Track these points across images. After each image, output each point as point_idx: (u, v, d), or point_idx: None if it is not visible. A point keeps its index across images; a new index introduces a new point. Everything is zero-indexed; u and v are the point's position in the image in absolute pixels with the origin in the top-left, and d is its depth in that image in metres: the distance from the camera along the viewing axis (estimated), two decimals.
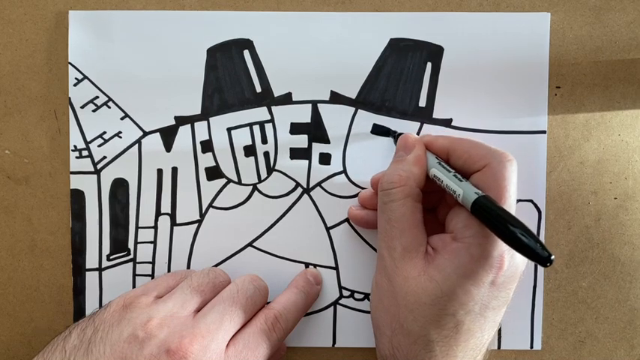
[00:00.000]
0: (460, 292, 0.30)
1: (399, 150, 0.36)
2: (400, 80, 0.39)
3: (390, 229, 0.33)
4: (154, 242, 0.39)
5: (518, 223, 0.28)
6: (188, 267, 0.39)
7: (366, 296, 0.39)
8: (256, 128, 0.39)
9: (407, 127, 0.39)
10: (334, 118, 0.39)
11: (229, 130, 0.39)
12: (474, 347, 0.32)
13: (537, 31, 0.38)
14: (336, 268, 0.39)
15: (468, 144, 0.34)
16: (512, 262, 0.31)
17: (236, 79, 0.39)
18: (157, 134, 0.39)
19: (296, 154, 0.39)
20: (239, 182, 0.39)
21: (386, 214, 0.34)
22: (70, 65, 0.38)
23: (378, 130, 0.39)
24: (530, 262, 0.31)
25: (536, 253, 0.27)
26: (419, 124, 0.39)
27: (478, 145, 0.34)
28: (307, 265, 0.39)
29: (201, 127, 0.39)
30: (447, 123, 0.39)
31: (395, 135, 0.38)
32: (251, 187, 0.39)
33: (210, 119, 0.39)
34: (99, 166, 0.39)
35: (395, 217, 0.33)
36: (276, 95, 0.39)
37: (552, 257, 0.27)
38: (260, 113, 0.39)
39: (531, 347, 0.40)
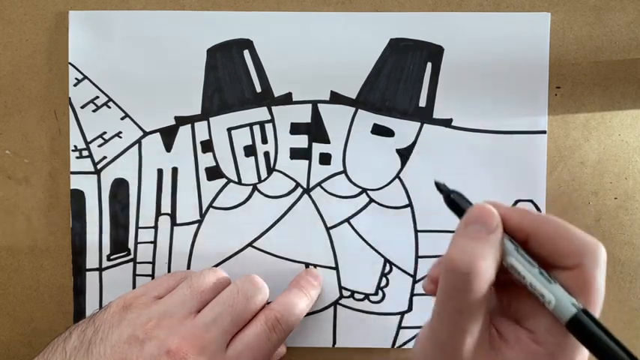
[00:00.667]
0: None
1: (473, 223, 0.28)
2: (400, 80, 0.39)
3: (459, 319, 0.27)
4: (154, 242, 0.39)
5: (629, 352, 0.25)
6: (188, 267, 0.39)
7: (366, 296, 0.39)
8: (256, 128, 0.39)
9: (407, 127, 0.39)
10: (334, 118, 0.39)
11: (229, 130, 0.39)
12: None
13: (537, 31, 0.38)
14: (336, 268, 0.39)
15: (554, 229, 0.27)
16: None
17: (236, 79, 0.39)
18: (157, 134, 0.39)
19: (296, 154, 0.39)
20: (239, 182, 0.39)
21: (457, 302, 0.27)
22: (70, 65, 0.38)
23: (379, 131, 0.39)
24: None
25: None
26: (419, 124, 0.39)
27: (566, 232, 0.27)
28: (307, 265, 0.39)
29: (201, 127, 0.39)
30: (447, 123, 0.39)
31: (450, 194, 0.30)
32: (251, 187, 0.39)
33: (210, 119, 0.39)
34: (99, 166, 0.39)
35: (468, 307, 0.26)
36: (276, 95, 0.39)
37: None
38: (260, 113, 0.39)
39: None
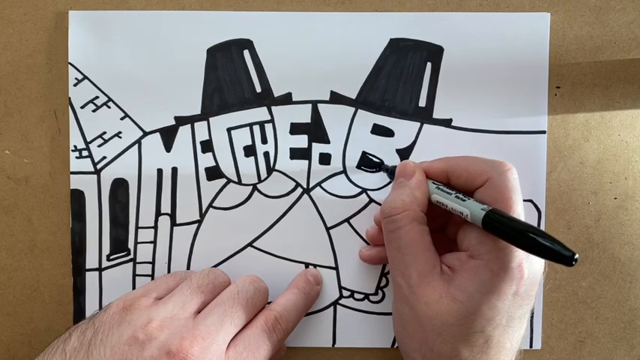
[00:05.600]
0: (485, 308, 0.30)
1: (398, 177, 0.35)
2: (400, 80, 0.39)
3: (401, 257, 0.33)
4: (154, 242, 0.39)
5: (535, 229, 0.28)
6: (188, 267, 0.39)
7: (366, 296, 0.40)
8: (256, 128, 0.39)
9: (407, 127, 0.39)
10: (334, 118, 0.39)
11: (229, 130, 0.39)
12: (506, 358, 0.32)
13: (537, 31, 0.38)
14: (336, 268, 0.39)
15: (465, 161, 0.34)
16: (532, 268, 0.31)
17: (236, 79, 0.39)
18: (157, 134, 0.39)
19: (296, 154, 0.39)
20: (239, 182, 0.39)
21: (394, 242, 0.33)
22: (70, 65, 0.38)
23: (379, 131, 0.39)
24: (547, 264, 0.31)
25: (560, 254, 0.27)
26: (419, 124, 0.39)
27: (475, 160, 0.33)
28: (307, 265, 0.39)
29: (201, 127, 0.39)
30: (447, 123, 0.39)
31: (387, 169, 0.38)
32: (251, 187, 0.39)
33: (210, 119, 0.39)
34: (99, 166, 0.39)
35: (404, 243, 0.32)
36: (276, 95, 0.39)
37: (576, 256, 0.26)
38: (260, 113, 0.39)
39: (531, 347, 0.40)
